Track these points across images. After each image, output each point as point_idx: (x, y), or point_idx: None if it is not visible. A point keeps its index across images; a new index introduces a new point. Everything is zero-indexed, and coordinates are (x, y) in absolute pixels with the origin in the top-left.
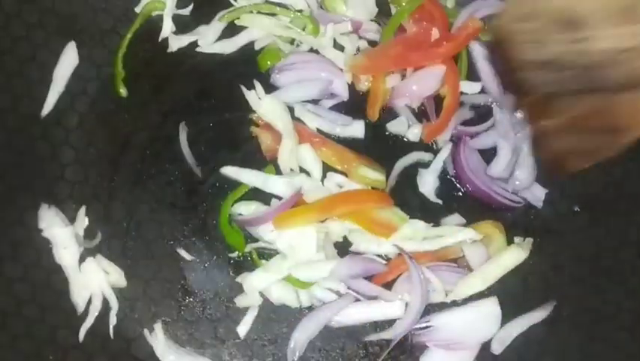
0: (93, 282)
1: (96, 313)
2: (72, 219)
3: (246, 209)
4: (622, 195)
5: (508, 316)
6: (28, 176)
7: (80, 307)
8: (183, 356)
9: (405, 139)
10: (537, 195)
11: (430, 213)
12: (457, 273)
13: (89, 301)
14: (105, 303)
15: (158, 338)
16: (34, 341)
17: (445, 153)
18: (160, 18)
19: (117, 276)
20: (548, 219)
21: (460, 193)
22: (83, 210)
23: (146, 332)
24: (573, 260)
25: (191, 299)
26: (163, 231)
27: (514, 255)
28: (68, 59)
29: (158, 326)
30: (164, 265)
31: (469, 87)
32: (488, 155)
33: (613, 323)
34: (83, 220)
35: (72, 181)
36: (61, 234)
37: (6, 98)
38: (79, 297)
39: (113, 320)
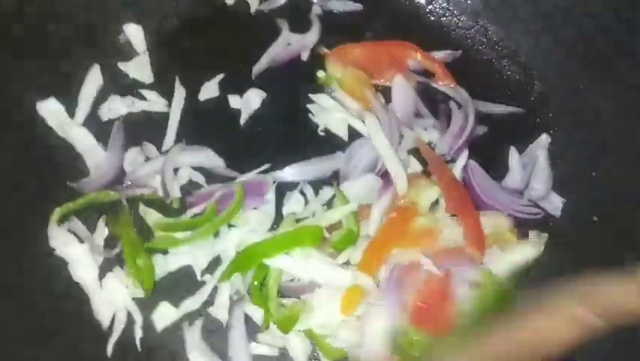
0: (116, 298)
1: (122, 326)
2: (91, 230)
3: None
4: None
5: None
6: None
7: (105, 323)
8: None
9: None
10: (555, 204)
11: None
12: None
13: (114, 317)
14: (129, 315)
15: (194, 334)
16: (57, 353)
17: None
18: None
19: (137, 287)
20: (565, 229)
21: None
22: (102, 220)
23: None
24: (588, 270)
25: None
26: None
27: (526, 249)
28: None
29: (198, 323)
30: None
31: None
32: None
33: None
34: (102, 230)
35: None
36: (76, 252)
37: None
38: (102, 314)
39: (138, 333)
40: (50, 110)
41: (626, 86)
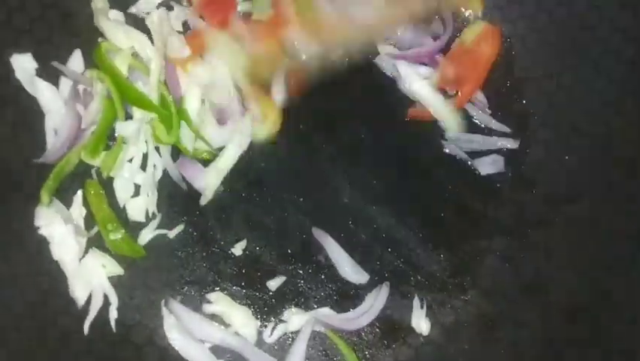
0: (93, 278)
1: (98, 307)
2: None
3: None
4: (613, 186)
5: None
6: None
7: (80, 301)
8: (187, 338)
9: None
10: None
11: None
12: None
13: (90, 296)
14: (105, 297)
15: (173, 310)
16: (36, 325)
17: None
18: None
19: (114, 267)
20: (540, 211)
21: None
22: (79, 195)
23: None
24: (564, 250)
25: (190, 287)
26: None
27: None
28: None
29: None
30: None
31: None
32: None
33: (605, 313)
34: (80, 207)
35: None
36: (60, 231)
37: None
38: (79, 293)
39: (113, 314)
40: (23, 65)
41: (598, 72)
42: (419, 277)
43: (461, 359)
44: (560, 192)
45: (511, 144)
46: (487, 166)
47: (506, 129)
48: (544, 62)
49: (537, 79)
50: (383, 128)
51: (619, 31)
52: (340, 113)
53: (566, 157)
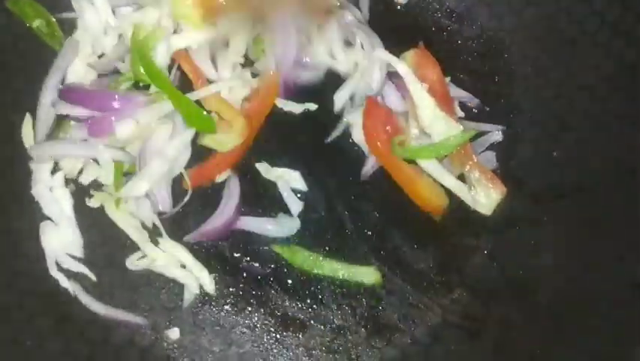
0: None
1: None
2: None
3: None
4: (601, 183)
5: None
6: None
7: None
8: None
9: None
10: None
11: None
12: None
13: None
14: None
15: None
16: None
17: None
18: None
19: None
20: (527, 209)
21: None
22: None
23: None
24: (551, 248)
25: None
26: None
27: None
28: None
29: None
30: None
31: None
32: None
33: (592, 311)
34: None
35: None
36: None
37: None
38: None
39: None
40: None
41: (586, 67)
42: (406, 275)
43: (447, 358)
44: (548, 189)
45: (497, 136)
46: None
47: (497, 127)
48: (533, 57)
49: (526, 75)
50: None
51: (607, 26)
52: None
53: (554, 153)
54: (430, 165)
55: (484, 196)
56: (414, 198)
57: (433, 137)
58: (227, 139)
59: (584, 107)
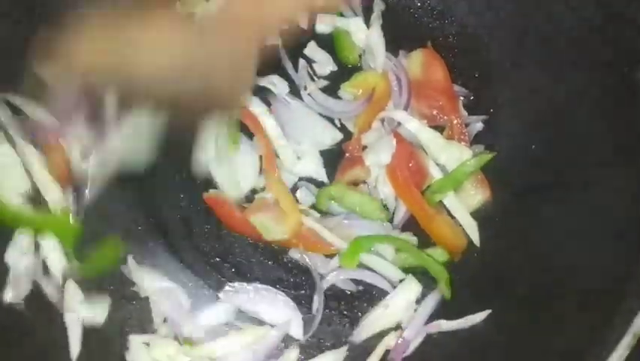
0: None
1: None
2: None
3: None
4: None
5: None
6: None
7: None
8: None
9: None
10: None
11: None
12: None
13: None
14: None
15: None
16: None
17: None
18: None
19: None
20: (506, 203)
21: None
22: None
23: None
24: (531, 242)
25: None
26: None
27: None
28: None
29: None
30: None
31: None
32: None
33: (569, 304)
34: None
35: None
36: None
37: None
38: None
39: None
40: None
41: (564, 63)
42: None
43: (429, 349)
44: (527, 183)
45: (479, 125)
46: None
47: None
48: (512, 53)
49: (505, 70)
50: None
51: (585, 22)
52: None
53: (533, 147)
54: (449, 200)
55: (468, 198)
56: (436, 238)
57: (447, 167)
58: (275, 230)
59: (560, 102)
